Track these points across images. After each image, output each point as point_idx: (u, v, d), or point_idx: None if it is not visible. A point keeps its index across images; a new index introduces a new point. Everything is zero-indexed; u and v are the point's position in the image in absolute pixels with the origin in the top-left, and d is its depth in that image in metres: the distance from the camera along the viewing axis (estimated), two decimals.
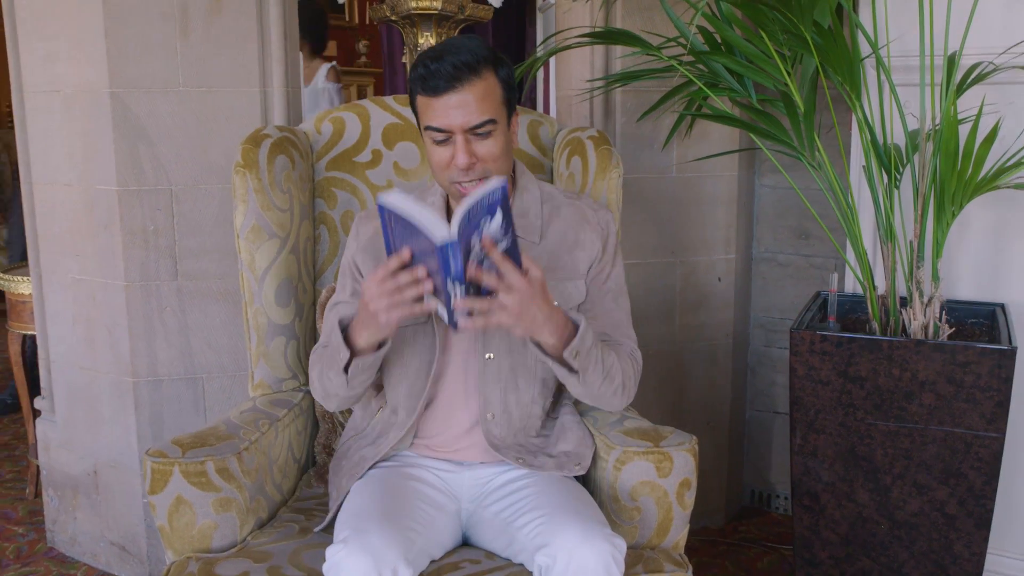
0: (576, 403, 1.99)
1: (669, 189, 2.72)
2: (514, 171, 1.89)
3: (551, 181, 2.22)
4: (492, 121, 1.70)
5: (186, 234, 2.49)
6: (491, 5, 2.90)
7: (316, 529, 1.83)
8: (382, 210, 1.52)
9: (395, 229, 1.53)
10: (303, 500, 2.00)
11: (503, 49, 3.41)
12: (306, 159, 2.20)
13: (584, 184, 2.10)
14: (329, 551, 1.53)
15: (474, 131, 1.69)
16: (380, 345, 1.70)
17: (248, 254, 2.08)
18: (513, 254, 1.54)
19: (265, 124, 2.48)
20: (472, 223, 1.49)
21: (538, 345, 1.66)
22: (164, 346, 2.53)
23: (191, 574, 1.68)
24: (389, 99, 2.33)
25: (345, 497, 1.79)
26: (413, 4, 2.64)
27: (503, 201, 1.49)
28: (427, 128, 1.72)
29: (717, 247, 2.81)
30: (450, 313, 1.55)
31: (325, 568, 1.53)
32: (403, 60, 2.84)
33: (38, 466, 3.10)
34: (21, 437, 3.82)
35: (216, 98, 2.46)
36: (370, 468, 1.84)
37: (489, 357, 1.82)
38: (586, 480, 1.88)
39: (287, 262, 2.11)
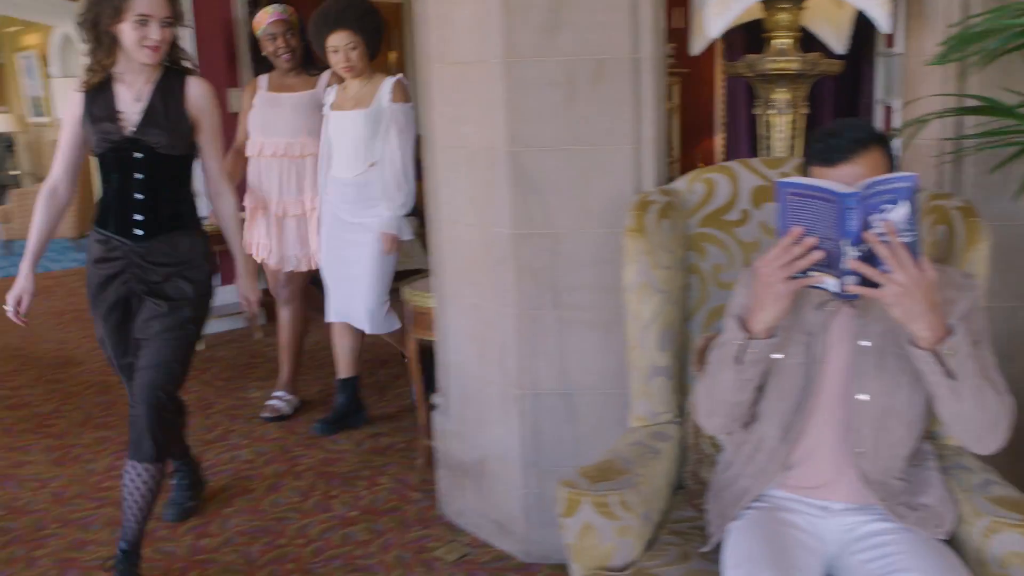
0: (939, 458, 1.95)
1: (1019, 235, 2.56)
2: None
3: None
4: None
5: (566, 271, 2.63)
6: (836, 59, 2.82)
7: (699, 550, 1.90)
8: (781, 188, 1.66)
9: (791, 206, 1.66)
10: (677, 523, 2.08)
11: (841, 90, 3.31)
12: (682, 217, 2.26)
13: (951, 253, 2.03)
14: None
15: None
16: (771, 337, 1.78)
17: (635, 306, 2.18)
18: (913, 249, 1.59)
19: (639, 180, 2.56)
20: (874, 200, 1.58)
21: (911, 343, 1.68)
22: (544, 365, 2.70)
23: None
24: (755, 162, 2.34)
25: (724, 536, 1.86)
26: (771, 65, 2.63)
27: (911, 196, 1.58)
28: None
29: None
30: (840, 280, 1.63)
31: None
32: (753, 111, 2.82)
33: (427, 445, 3.42)
34: (406, 410, 4.19)
35: (595, 155, 2.57)
36: (746, 508, 1.90)
37: (862, 398, 1.82)
38: (950, 539, 1.84)
39: (668, 312, 2.19)
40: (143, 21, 2.51)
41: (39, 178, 10.95)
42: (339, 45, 3.50)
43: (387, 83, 3.58)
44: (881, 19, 2.53)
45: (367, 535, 3.08)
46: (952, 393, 1.68)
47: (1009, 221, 2.55)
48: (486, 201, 2.69)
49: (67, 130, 2.70)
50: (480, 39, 2.58)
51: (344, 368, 4.04)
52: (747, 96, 3.20)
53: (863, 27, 2.91)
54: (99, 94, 2.63)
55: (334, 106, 3.67)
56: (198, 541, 3.05)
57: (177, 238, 2.73)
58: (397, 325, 3.72)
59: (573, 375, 2.70)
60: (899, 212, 1.59)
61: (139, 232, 2.67)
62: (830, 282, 1.66)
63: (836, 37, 2.95)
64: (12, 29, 10.30)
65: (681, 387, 2.28)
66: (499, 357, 2.77)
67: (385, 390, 4.54)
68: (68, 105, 2.69)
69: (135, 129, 2.62)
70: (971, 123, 2.46)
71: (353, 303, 3.72)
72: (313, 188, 3.86)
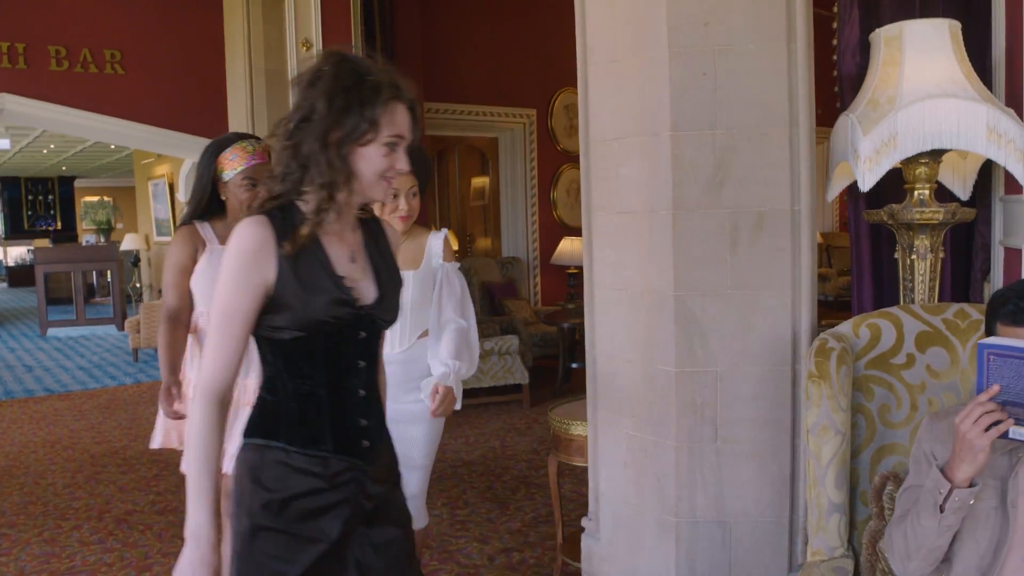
0: None
1: None
2: None
3: None
4: None
5: (726, 407, 2.65)
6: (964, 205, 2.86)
7: None
8: (983, 349, 1.72)
9: (990, 366, 1.71)
10: None
11: (954, 232, 3.33)
12: (851, 360, 2.27)
13: None
14: None
15: None
16: (972, 485, 1.77)
17: (816, 447, 2.18)
18: None
19: (795, 323, 2.60)
20: None
21: None
22: (702, 495, 2.69)
23: None
24: (916, 308, 2.36)
25: None
26: (917, 215, 2.66)
27: None
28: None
29: None
30: None
31: None
32: (895, 256, 2.85)
33: (563, 560, 3.38)
34: (529, 525, 4.15)
35: (753, 298, 2.61)
36: None
37: None
38: None
39: (844, 453, 2.18)
40: (394, 144, 1.71)
41: (159, 290, 11.38)
42: (402, 190, 2.73)
43: (436, 238, 2.85)
44: (1019, 174, 2.58)
45: None
46: None
47: None
48: (648, 340, 2.73)
49: (244, 306, 1.67)
50: (648, 192, 2.67)
51: None
52: (869, 238, 3.22)
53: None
54: (303, 254, 1.69)
55: None
56: None
57: (389, 435, 1.91)
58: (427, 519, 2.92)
59: (729, 504, 2.68)
60: None
61: (367, 443, 1.80)
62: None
63: (962, 185, 2.99)
64: (146, 161, 10.88)
65: (852, 522, 2.25)
66: (657, 485, 2.76)
67: (506, 504, 4.52)
68: (237, 268, 1.67)
69: (372, 302, 1.77)
70: None
71: None
72: None
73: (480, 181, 8.94)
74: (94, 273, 13.20)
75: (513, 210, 8.69)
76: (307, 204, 1.69)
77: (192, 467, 1.65)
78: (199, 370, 1.73)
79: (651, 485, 2.78)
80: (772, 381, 2.61)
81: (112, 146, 11.86)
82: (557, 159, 8.66)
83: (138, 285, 11.62)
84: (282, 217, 1.69)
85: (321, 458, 1.72)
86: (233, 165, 2.86)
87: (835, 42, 3.42)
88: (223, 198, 2.90)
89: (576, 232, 8.46)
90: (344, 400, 1.75)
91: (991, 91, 2.99)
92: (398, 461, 1.94)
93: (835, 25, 3.41)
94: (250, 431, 1.76)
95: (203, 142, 6.70)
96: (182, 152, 7.58)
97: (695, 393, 2.65)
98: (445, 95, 7.51)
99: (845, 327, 2.36)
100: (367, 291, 1.77)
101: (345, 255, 1.76)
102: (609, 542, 2.98)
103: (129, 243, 11.23)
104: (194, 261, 2.87)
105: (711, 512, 2.70)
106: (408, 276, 2.65)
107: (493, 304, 7.52)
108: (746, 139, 2.56)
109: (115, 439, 6.10)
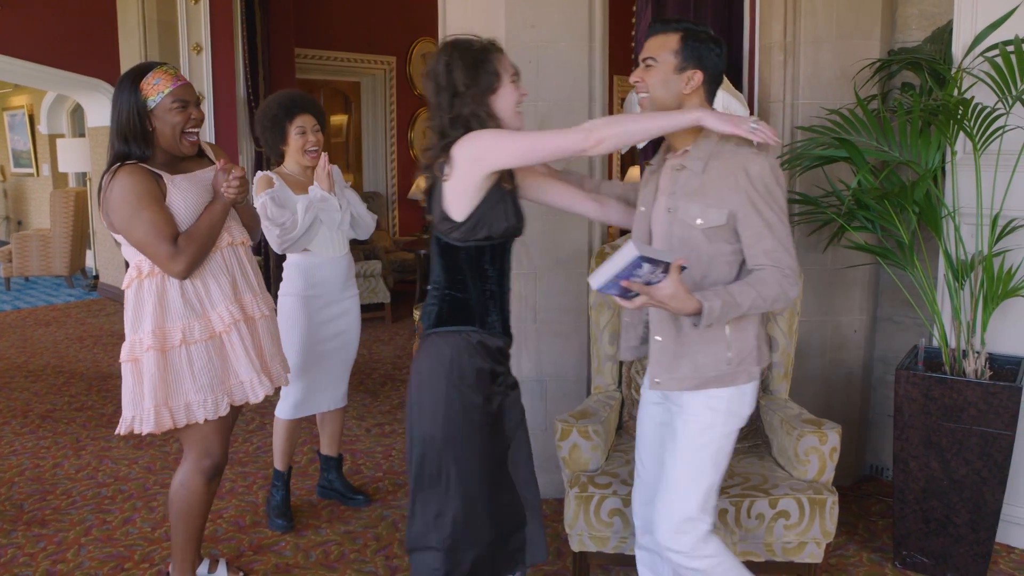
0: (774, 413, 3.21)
1: (825, 275, 3.90)
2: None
3: None
4: (653, 59, 2.31)
5: (543, 297, 3.85)
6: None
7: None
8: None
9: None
10: (619, 446, 3.30)
11: None
12: None
13: None
14: None
15: (644, 61, 2.35)
16: None
17: (596, 318, 3.42)
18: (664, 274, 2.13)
19: (591, 238, 3.81)
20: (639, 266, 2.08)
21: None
22: (526, 360, 3.90)
23: (583, 483, 2.99)
24: None
25: None
26: None
27: (640, 261, 2.06)
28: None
29: (854, 310, 3.96)
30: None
31: None
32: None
33: None
34: (397, 407, 5.30)
35: (562, 223, 3.81)
36: None
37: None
38: (777, 446, 3.10)
39: (615, 322, 3.43)
40: (515, 80, 2.40)
41: (17, 222, 11.63)
42: (308, 127, 3.67)
43: (336, 172, 3.77)
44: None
45: (393, 487, 4.20)
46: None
47: (821, 265, 3.89)
48: None
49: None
50: None
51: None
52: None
53: None
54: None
55: (297, 191, 3.70)
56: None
57: None
58: None
59: (545, 367, 3.91)
60: (645, 270, 2.11)
61: (512, 330, 2.56)
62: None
63: None
64: (1, 91, 11.06)
65: (620, 369, 3.50)
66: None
67: (376, 394, 5.66)
68: (470, 179, 2.28)
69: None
70: (796, 207, 3.80)
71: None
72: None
73: (338, 119, 9.82)
74: None
75: (374, 149, 9.64)
76: None
77: None
78: None
79: None
80: (574, 280, 3.83)
81: None
82: (414, 103, 9.65)
83: None
84: None
85: (500, 338, 2.46)
86: (159, 88, 2.78)
87: (633, 32, 4.64)
88: (150, 128, 2.79)
89: None
90: (504, 296, 2.47)
91: (741, 80, 4.27)
92: None
93: (634, 20, 4.62)
94: (442, 322, 2.39)
95: (90, 81, 7.30)
96: (66, 89, 8.05)
97: (522, 288, 3.84)
98: (313, 42, 8.35)
99: (620, 240, 3.60)
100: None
101: None
102: None
103: None
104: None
105: (532, 373, 3.91)
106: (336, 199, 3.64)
107: None
108: (559, 108, 3.73)
109: (13, 356, 6.79)
